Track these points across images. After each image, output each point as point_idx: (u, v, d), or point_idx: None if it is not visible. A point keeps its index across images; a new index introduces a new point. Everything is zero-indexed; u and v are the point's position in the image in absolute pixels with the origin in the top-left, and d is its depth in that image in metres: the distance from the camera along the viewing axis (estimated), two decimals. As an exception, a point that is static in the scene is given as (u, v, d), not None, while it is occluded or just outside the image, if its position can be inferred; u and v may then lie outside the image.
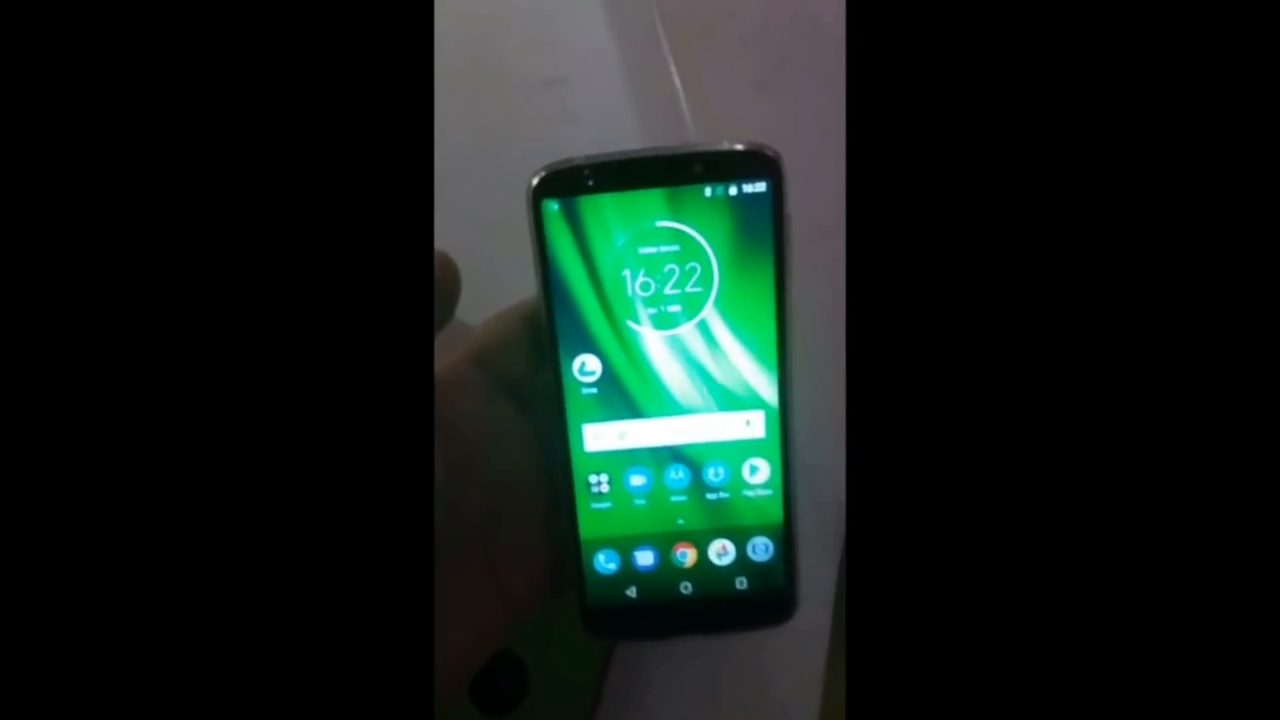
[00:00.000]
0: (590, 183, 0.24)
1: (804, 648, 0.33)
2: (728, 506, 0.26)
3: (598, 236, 0.24)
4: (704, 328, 0.25)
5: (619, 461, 0.26)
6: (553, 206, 0.24)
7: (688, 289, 0.24)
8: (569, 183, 0.24)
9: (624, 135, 0.36)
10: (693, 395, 0.25)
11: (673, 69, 0.36)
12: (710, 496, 0.26)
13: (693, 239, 0.24)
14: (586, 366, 0.25)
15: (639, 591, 0.27)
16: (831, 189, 0.26)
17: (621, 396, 0.25)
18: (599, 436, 0.26)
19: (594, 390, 0.25)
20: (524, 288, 0.25)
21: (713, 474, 0.26)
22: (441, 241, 0.23)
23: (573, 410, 0.25)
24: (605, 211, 0.24)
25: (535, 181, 0.24)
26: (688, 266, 0.24)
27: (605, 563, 0.26)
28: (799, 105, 0.34)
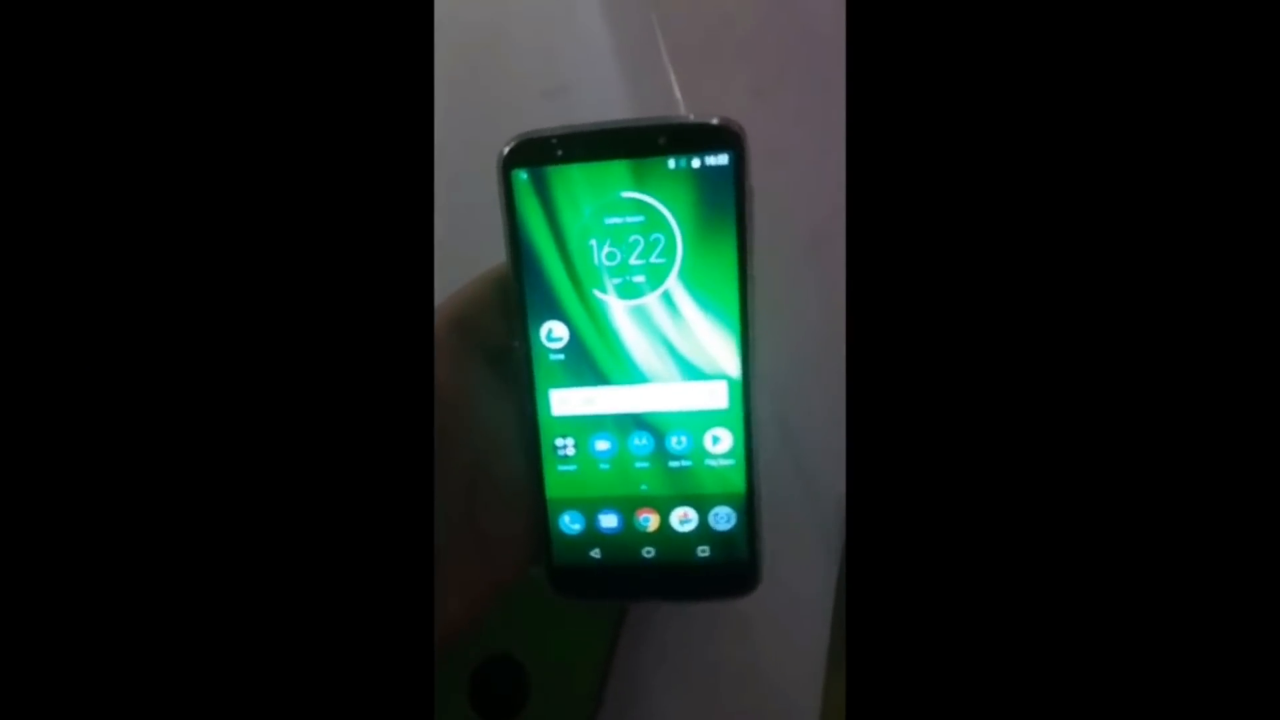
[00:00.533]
0: (559, 153, 0.24)
1: (804, 648, 0.33)
2: (690, 474, 0.27)
3: (565, 206, 0.25)
4: (667, 298, 0.25)
5: (585, 426, 0.27)
6: (522, 176, 0.25)
7: (652, 259, 0.25)
8: (538, 153, 0.24)
9: None
10: (656, 364, 0.26)
11: (672, 77, 0.36)
12: (673, 464, 0.27)
13: (656, 210, 0.25)
14: (554, 333, 0.26)
15: (603, 553, 0.27)
16: (830, 195, 0.26)
17: (588, 364, 0.26)
18: (565, 401, 0.26)
19: (561, 356, 0.26)
20: None
21: (675, 442, 0.27)
22: (440, 249, 0.24)
23: (540, 375, 0.26)
24: (573, 181, 0.25)
25: (506, 151, 0.24)
26: (652, 237, 0.25)
27: (570, 523, 0.27)
28: (798, 113, 0.34)
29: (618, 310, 0.26)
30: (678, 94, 0.36)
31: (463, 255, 0.26)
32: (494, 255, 0.26)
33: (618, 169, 0.24)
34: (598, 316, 0.26)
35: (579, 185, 0.25)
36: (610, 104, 0.37)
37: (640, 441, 0.27)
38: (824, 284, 0.28)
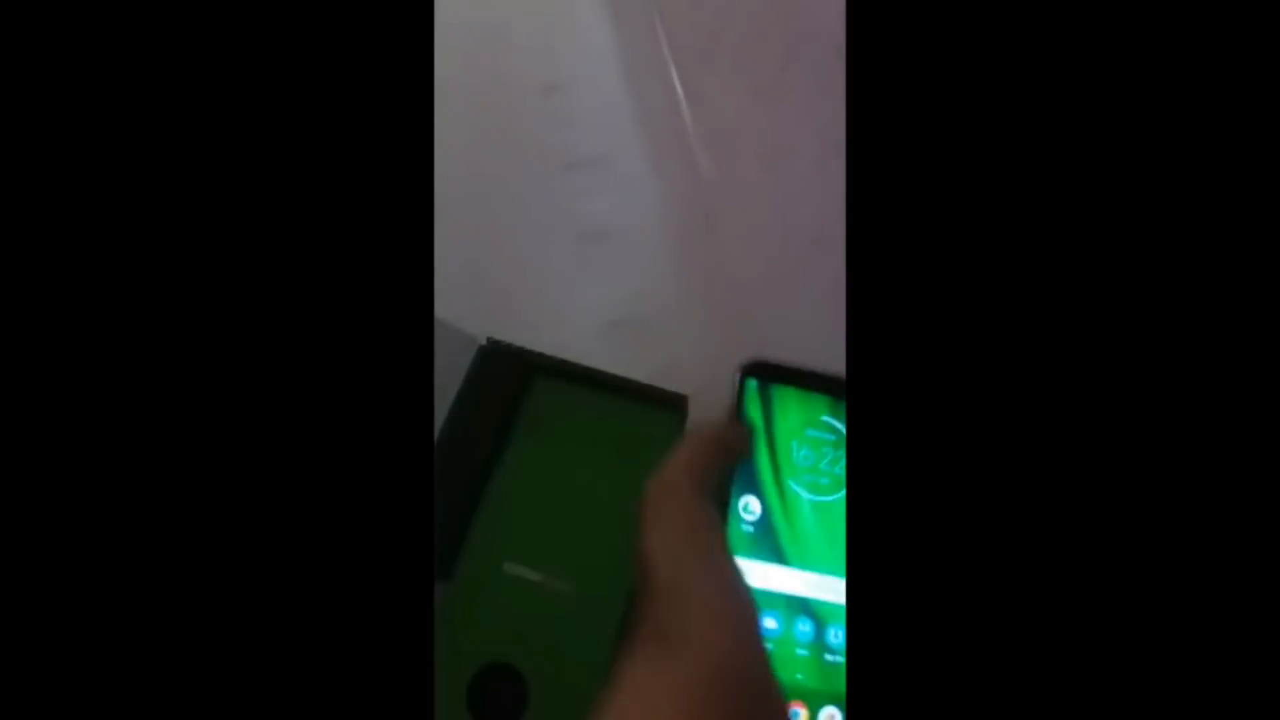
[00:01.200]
0: (782, 377, 0.32)
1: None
2: (843, 672, 0.28)
3: (780, 414, 0.31)
4: (845, 502, 0.29)
5: (759, 600, 0.28)
6: (753, 384, 0.31)
7: (837, 470, 0.31)
8: (768, 372, 0.32)
9: (624, 141, 0.35)
10: (829, 556, 0.29)
11: (674, 75, 0.36)
12: (829, 658, 0.28)
13: (845, 436, 0.30)
14: (750, 506, 0.29)
15: None
16: (831, 195, 0.27)
17: (772, 541, 0.29)
18: (747, 572, 0.28)
19: (750, 529, 0.29)
20: (517, 288, 0.30)
21: (834, 635, 0.28)
22: (438, 246, 0.23)
23: (732, 542, 0.28)
24: (789, 399, 0.32)
25: (744, 364, 0.32)
26: (839, 453, 0.31)
27: (724, 700, 0.27)
28: (799, 111, 0.34)
29: (805, 502, 0.29)
30: (679, 91, 0.36)
31: (460, 256, 0.27)
32: (491, 255, 0.28)
33: (822, 399, 0.32)
34: (789, 502, 0.29)
35: (793, 403, 0.32)
36: (610, 102, 0.36)
37: (804, 628, 0.28)
38: (825, 283, 0.29)
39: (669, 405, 0.35)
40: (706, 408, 0.34)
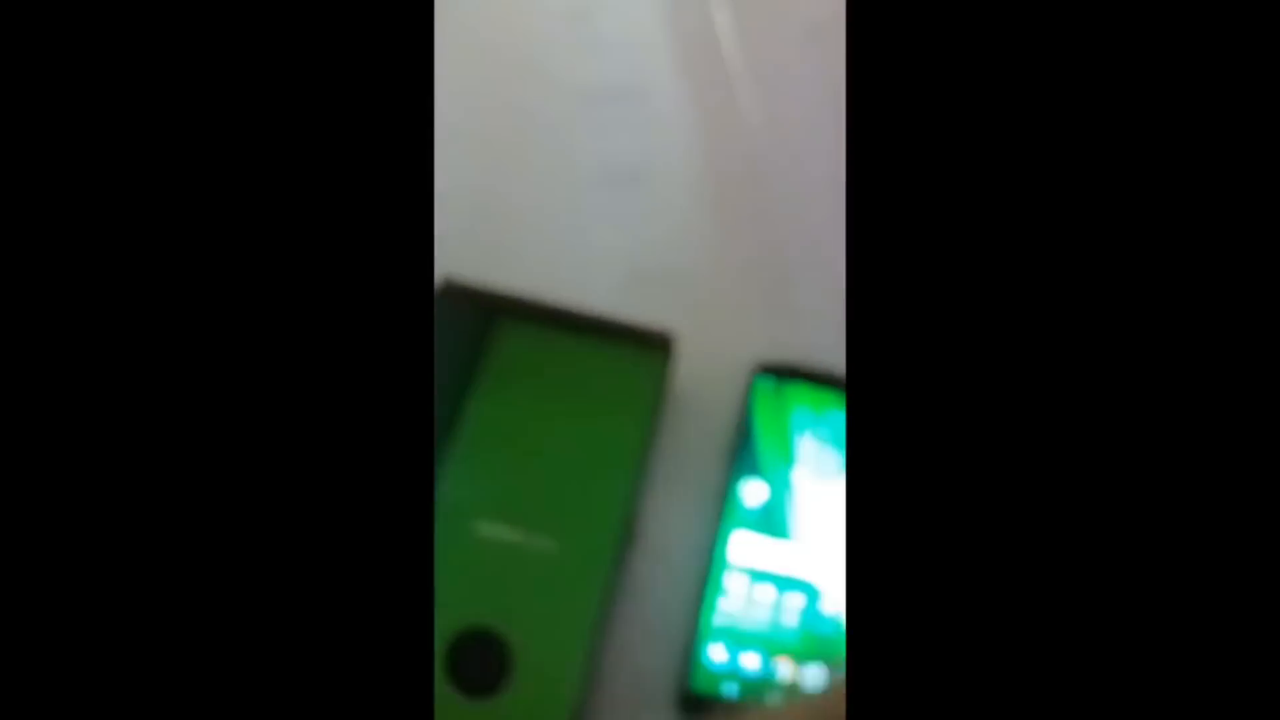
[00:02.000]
0: (792, 375, 0.34)
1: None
2: (832, 640, 0.31)
3: (791, 406, 0.34)
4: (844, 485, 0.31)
5: (759, 577, 0.32)
6: (767, 382, 0.34)
7: (838, 455, 0.33)
8: (780, 371, 0.35)
9: (656, 74, 0.32)
10: (825, 533, 0.32)
11: (714, 3, 0.32)
12: (820, 627, 0.31)
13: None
14: (755, 490, 0.31)
15: (738, 691, 0.31)
16: None
17: (772, 520, 0.33)
18: (746, 544, 0.31)
19: (754, 510, 0.33)
20: (532, 233, 0.31)
21: (822, 603, 0.31)
22: (456, 176, 0.22)
23: (734, 519, 0.31)
24: (802, 393, 0.35)
25: (757, 368, 0.34)
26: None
27: (715, 652, 0.31)
28: None
29: (807, 485, 0.33)
30: (721, 22, 0.32)
31: (475, 185, 0.27)
32: (504, 195, 0.28)
33: (833, 394, 0.34)
34: (791, 487, 0.33)
35: (805, 396, 0.34)
36: (642, 30, 0.32)
37: (798, 596, 0.31)
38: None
39: (651, 344, 0.32)
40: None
